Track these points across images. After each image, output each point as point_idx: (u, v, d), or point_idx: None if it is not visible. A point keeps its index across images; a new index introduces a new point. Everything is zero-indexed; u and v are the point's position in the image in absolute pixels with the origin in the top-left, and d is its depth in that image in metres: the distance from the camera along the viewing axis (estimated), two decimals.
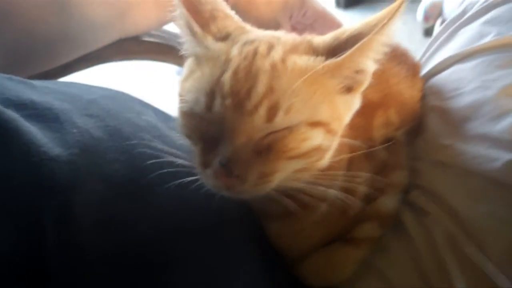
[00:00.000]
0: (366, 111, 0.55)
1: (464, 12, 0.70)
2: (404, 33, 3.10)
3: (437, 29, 2.87)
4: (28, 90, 0.46)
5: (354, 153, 0.51)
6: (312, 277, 0.53)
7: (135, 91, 0.61)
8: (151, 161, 0.44)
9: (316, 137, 0.40)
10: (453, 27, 0.70)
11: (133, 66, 0.89)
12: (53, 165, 0.39)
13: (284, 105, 0.38)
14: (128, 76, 1.83)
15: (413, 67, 0.65)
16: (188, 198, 0.43)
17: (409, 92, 0.61)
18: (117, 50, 0.84)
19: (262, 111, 0.38)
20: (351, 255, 0.52)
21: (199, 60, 0.44)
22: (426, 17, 2.78)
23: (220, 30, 0.46)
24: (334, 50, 0.41)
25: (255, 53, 0.41)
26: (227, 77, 0.39)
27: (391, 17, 0.40)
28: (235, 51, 0.42)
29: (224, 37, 0.45)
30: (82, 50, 0.77)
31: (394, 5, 0.40)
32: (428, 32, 2.86)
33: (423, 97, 0.65)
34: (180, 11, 0.46)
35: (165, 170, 0.42)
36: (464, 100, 0.59)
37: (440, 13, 2.63)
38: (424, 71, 0.69)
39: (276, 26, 0.89)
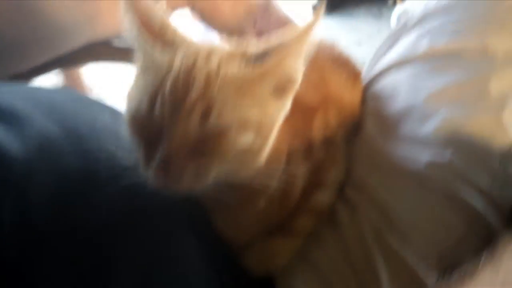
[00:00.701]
0: (306, 114, 0.60)
1: (405, 23, 0.75)
2: (379, 41, 3.17)
3: None
4: None
5: (292, 152, 0.56)
6: (254, 266, 0.57)
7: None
8: (102, 162, 0.48)
9: (247, 139, 0.45)
10: (395, 35, 0.75)
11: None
12: (12, 161, 0.44)
13: (216, 109, 0.42)
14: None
15: (354, 73, 0.70)
16: (134, 195, 0.48)
17: (348, 96, 0.67)
18: (88, 53, 0.88)
19: (195, 115, 0.42)
20: (287, 245, 0.58)
21: (145, 69, 0.48)
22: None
23: (167, 42, 0.49)
24: (263, 57, 0.46)
25: (194, 62, 0.45)
26: (167, 84, 0.44)
27: (309, 29, 0.45)
28: (177, 60, 0.46)
29: (171, 50, 0.49)
30: (52, 52, 0.80)
31: (313, 19, 0.45)
32: None
33: (364, 102, 0.70)
34: (131, 20, 0.50)
35: (114, 172, 0.46)
36: (397, 105, 0.64)
37: None
38: (368, 75, 0.75)
39: (240, 32, 0.94)
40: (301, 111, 0.59)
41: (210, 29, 0.96)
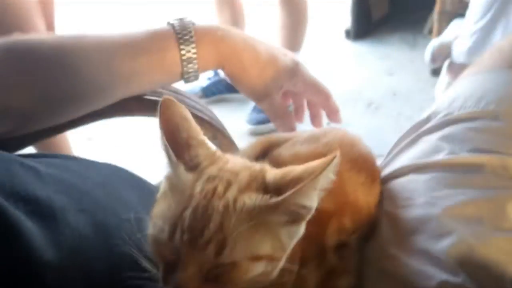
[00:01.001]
0: (320, 220, 0.61)
1: (428, 119, 0.76)
2: (412, 72, 3.16)
3: (444, 70, 2.88)
4: (35, 180, 0.55)
5: (306, 257, 0.58)
6: None
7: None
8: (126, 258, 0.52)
9: (258, 268, 0.47)
10: (417, 132, 0.76)
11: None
12: (45, 270, 0.48)
13: (231, 243, 0.45)
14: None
15: (373, 174, 0.71)
16: None
17: (365, 199, 0.68)
18: (120, 108, 0.92)
19: (211, 248, 0.45)
20: None
21: (171, 187, 0.51)
22: (433, 58, 2.83)
23: (192, 158, 0.52)
24: (279, 189, 0.48)
25: (213, 192, 0.48)
26: (187, 213, 0.47)
27: (323, 169, 0.47)
28: (198, 188, 0.49)
29: (194, 166, 0.52)
30: (87, 108, 0.85)
31: (328, 157, 0.48)
32: (435, 72, 2.91)
33: (380, 200, 0.71)
34: (161, 135, 0.53)
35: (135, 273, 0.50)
36: (413, 213, 0.65)
37: (447, 55, 2.70)
38: (386, 171, 0.76)
39: (267, 94, 0.96)
40: (316, 217, 0.61)
41: (240, 90, 0.99)
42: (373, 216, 0.69)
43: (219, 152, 0.57)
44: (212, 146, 0.57)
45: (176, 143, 0.53)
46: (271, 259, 0.48)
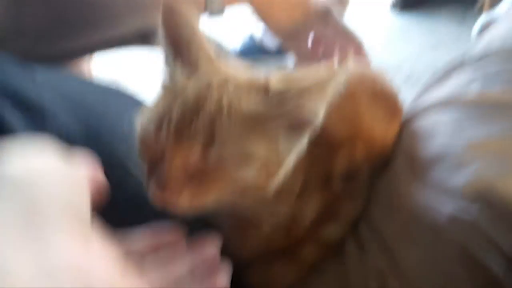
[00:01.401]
0: (331, 147, 0.59)
1: (463, 58, 0.71)
2: (456, 48, 3.02)
3: None
4: (28, 81, 0.54)
5: (308, 180, 0.55)
6: (254, 284, 0.59)
7: None
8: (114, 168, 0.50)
9: (249, 173, 0.45)
10: (447, 70, 0.71)
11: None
12: None
13: (219, 138, 0.43)
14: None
15: (394, 109, 0.68)
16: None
17: (381, 133, 0.65)
18: (139, 38, 0.90)
19: (197, 144, 0.43)
20: (287, 272, 0.59)
21: (164, 87, 0.49)
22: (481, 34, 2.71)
23: (191, 63, 0.49)
24: (281, 94, 0.45)
25: (207, 89, 0.46)
26: (177, 108, 0.44)
27: (330, 77, 0.43)
28: (191, 86, 0.46)
29: (192, 71, 0.49)
30: (104, 33, 0.83)
31: (339, 69, 0.44)
32: None
33: (399, 138, 0.67)
34: (161, 32, 0.50)
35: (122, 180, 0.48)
36: (433, 148, 0.62)
37: None
38: (411, 110, 0.71)
39: (295, 35, 0.93)
40: (326, 143, 0.58)
41: (266, 28, 0.96)
42: (388, 151, 0.66)
43: (223, 59, 0.54)
44: (214, 52, 0.54)
45: (177, 47, 0.50)
46: (265, 165, 0.45)
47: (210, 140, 0.43)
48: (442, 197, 0.56)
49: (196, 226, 0.52)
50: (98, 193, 0.40)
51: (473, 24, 2.73)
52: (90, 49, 0.90)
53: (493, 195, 0.53)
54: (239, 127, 0.44)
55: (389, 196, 0.62)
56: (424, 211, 0.56)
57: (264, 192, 0.48)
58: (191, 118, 0.43)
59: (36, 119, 0.50)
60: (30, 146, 0.36)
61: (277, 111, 0.45)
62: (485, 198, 0.53)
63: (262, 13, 0.92)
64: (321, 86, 0.44)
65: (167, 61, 0.50)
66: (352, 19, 3.12)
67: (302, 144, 0.49)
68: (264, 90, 0.46)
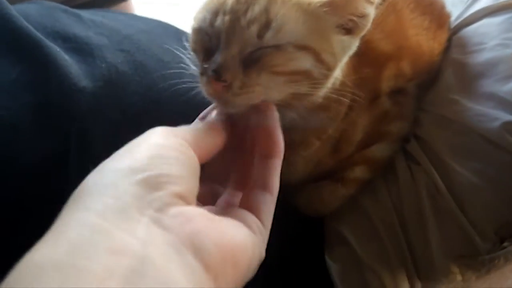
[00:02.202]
0: (377, 62, 0.57)
1: None
2: None
3: None
4: (76, 23, 0.56)
5: (356, 99, 0.54)
6: (304, 207, 0.59)
7: None
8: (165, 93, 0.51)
9: (303, 60, 0.43)
10: None
11: None
12: (80, 95, 0.48)
13: (275, 25, 0.42)
14: None
15: (439, 18, 0.64)
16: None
17: (428, 44, 0.62)
18: None
19: (254, 28, 0.42)
20: (338, 192, 0.58)
21: None
22: None
23: None
24: None
25: None
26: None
27: None
28: None
29: None
30: None
31: None
32: None
33: (448, 49, 0.65)
34: None
35: (176, 87, 0.48)
36: (483, 56, 0.59)
37: None
38: (460, 19, 0.68)
39: None
40: (372, 58, 0.56)
41: None
42: (436, 63, 0.64)
43: None
44: None
45: None
46: (318, 57, 0.44)
47: (266, 26, 0.42)
48: (494, 108, 0.54)
49: None
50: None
51: None
52: None
53: None
54: (293, 15, 0.43)
55: (440, 106, 0.60)
56: (478, 122, 0.54)
57: (318, 89, 0.47)
58: (246, 7, 0.43)
59: (86, 57, 0.52)
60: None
61: (325, 4, 0.44)
62: None
63: None
64: None
65: None
66: None
67: (353, 44, 0.48)
68: None
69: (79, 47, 0.52)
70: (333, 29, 0.45)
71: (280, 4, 0.43)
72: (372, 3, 0.44)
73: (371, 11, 0.45)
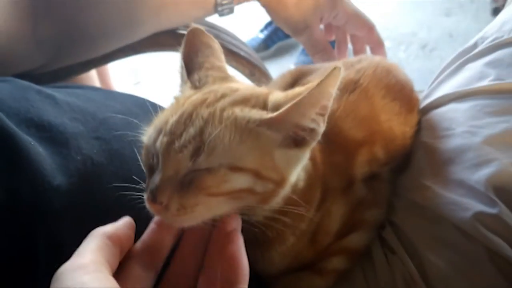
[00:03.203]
0: (348, 149, 0.59)
1: (475, 46, 0.70)
2: (471, 12, 2.95)
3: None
4: (50, 107, 0.55)
5: (329, 189, 0.56)
6: None
7: None
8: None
9: (239, 181, 0.44)
10: (461, 60, 0.70)
11: None
12: (52, 194, 0.47)
13: (207, 148, 0.43)
14: None
15: (409, 103, 0.67)
16: None
17: (400, 129, 0.64)
18: (153, 43, 0.92)
19: (186, 151, 0.43)
20: (315, 284, 0.58)
21: (173, 101, 0.51)
22: None
23: (200, 78, 0.51)
24: (277, 106, 0.45)
25: (203, 101, 0.47)
26: (173, 118, 0.46)
27: (320, 82, 0.42)
28: (192, 99, 0.48)
29: (201, 86, 0.51)
30: (119, 42, 0.84)
31: (328, 71, 0.42)
32: (496, 11, 2.70)
33: (418, 131, 0.67)
34: (180, 57, 0.53)
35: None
36: (451, 143, 0.61)
37: None
38: (427, 101, 0.71)
39: (305, 26, 0.92)
40: (343, 146, 0.58)
41: (276, 22, 0.95)
42: (408, 147, 0.65)
43: (234, 78, 0.54)
44: (227, 73, 0.55)
45: (192, 66, 0.53)
46: (258, 175, 0.45)
47: (198, 149, 0.43)
48: (464, 197, 0.55)
49: None
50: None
51: None
52: (111, 58, 0.91)
53: None
54: (228, 135, 0.44)
55: (412, 191, 0.61)
56: (449, 211, 0.56)
57: (267, 202, 0.47)
58: (184, 127, 0.44)
59: (61, 149, 0.51)
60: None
61: (265, 120, 0.45)
62: (507, 195, 0.52)
63: (271, 9, 0.91)
64: (307, 96, 0.43)
65: (182, 76, 0.53)
66: None
67: (302, 156, 0.49)
68: (263, 103, 0.47)
69: (53, 137, 0.52)
70: (275, 145, 0.46)
71: (215, 125, 0.44)
72: (315, 120, 0.46)
73: (316, 126, 0.46)
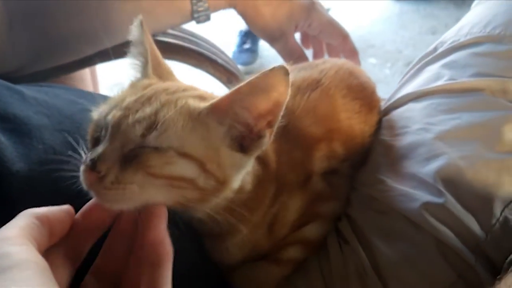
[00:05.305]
0: (307, 145, 0.61)
1: (434, 50, 0.73)
2: None
3: None
4: (18, 102, 0.57)
5: (286, 183, 0.58)
6: (240, 286, 0.61)
7: None
8: None
9: (183, 167, 0.45)
10: (421, 63, 0.73)
11: None
12: (11, 179, 0.49)
13: (160, 127, 0.44)
14: None
15: (370, 103, 0.70)
16: None
17: (360, 127, 0.67)
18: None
19: (139, 127, 0.44)
20: (272, 273, 0.60)
21: (129, 85, 0.53)
22: None
23: (161, 75, 0.55)
24: (220, 105, 0.47)
25: (164, 89, 0.49)
26: (131, 98, 0.48)
27: (259, 75, 0.44)
28: (156, 85, 0.50)
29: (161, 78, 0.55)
30: (95, 48, 0.86)
31: (273, 67, 0.43)
32: None
33: (378, 130, 0.70)
34: (144, 45, 0.56)
35: None
36: (406, 139, 0.64)
37: None
38: (389, 102, 0.74)
39: (281, 34, 0.95)
40: (302, 142, 0.60)
41: (252, 30, 0.98)
42: (367, 145, 0.68)
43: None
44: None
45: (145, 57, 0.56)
46: (203, 167, 0.46)
47: (151, 126, 0.44)
48: (414, 188, 0.58)
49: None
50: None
51: (471, 5, 2.72)
52: (87, 63, 0.93)
53: (463, 180, 0.55)
54: (181, 121, 0.45)
55: (368, 186, 0.63)
56: (399, 202, 0.58)
57: (211, 197, 0.48)
58: (141, 106, 0.46)
59: (23, 138, 0.53)
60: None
61: (215, 113, 0.46)
62: (455, 184, 0.55)
63: (247, 16, 0.93)
64: (246, 90, 0.45)
65: (145, 68, 0.55)
66: (350, 5, 3.08)
67: (247, 164, 0.51)
68: (210, 98, 0.49)
69: (17, 128, 0.53)
70: (222, 140, 0.47)
71: (171, 109, 0.46)
72: (243, 108, 0.46)
73: (265, 135, 0.48)
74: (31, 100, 0.58)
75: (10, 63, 0.78)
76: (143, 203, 0.44)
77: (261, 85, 0.44)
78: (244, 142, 0.48)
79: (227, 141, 0.48)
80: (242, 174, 0.51)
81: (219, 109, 0.46)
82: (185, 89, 0.50)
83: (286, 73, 0.43)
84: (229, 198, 0.51)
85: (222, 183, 0.47)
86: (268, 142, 0.48)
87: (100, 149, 0.44)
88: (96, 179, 0.43)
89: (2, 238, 0.37)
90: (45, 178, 0.51)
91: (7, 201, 0.48)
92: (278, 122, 0.47)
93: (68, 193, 0.52)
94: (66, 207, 0.44)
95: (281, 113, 0.46)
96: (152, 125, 0.44)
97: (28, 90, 0.61)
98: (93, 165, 0.43)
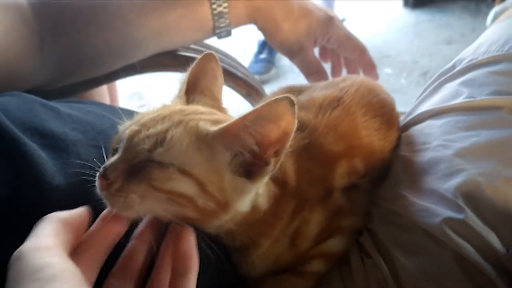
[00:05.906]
0: (328, 162, 0.63)
1: (453, 67, 0.75)
2: (472, 41, 2.98)
3: None
4: (54, 119, 0.60)
5: (308, 199, 0.60)
6: None
7: None
8: None
9: (183, 185, 0.47)
10: (440, 80, 0.75)
11: None
12: (51, 193, 0.52)
13: (166, 144, 0.47)
14: None
15: (389, 120, 0.71)
16: None
17: (380, 144, 0.68)
18: (154, 63, 0.96)
19: (148, 142, 0.47)
20: (297, 286, 0.62)
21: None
22: None
23: (194, 100, 0.58)
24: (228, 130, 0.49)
25: (181, 111, 0.52)
26: (149, 116, 0.51)
27: (264, 105, 0.45)
28: (175, 107, 0.53)
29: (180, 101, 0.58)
30: (122, 62, 0.89)
31: (278, 97, 0.45)
32: None
33: (398, 146, 0.71)
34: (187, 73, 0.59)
35: None
36: (426, 155, 0.65)
37: None
38: (408, 118, 0.75)
39: (300, 49, 0.97)
40: (322, 159, 0.62)
41: (271, 45, 1.00)
42: (387, 160, 0.70)
43: (224, 110, 0.60)
44: (221, 106, 0.61)
45: (193, 85, 0.59)
46: (202, 188, 0.47)
47: (159, 142, 0.47)
48: (435, 204, 0.59)
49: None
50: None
51: (487, 15, 2.72)
52: (113, 78, 0.96)
53: (482, 198, 0.56)
54: (187, 140, 0.48)
55: (389, 201, 0.65)
56: (420, 217, 0.59)
57: (209, 224, 0.51)
58: (154, 124, 0.49)
59: (61, 154, 0.56)
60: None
61: (221, 138, 0.48)
62: (475, 201, 0.56)
63: (266, 31, 0.95)
64: (258, 116, 0.46)
65: (180, 90, 0.58)
66: (365, 16, 3.09)
67: (252, 192, 0.52)
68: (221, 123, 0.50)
69: (55, 144, 0.56)
70: (227, 165, 0.49)
71: (180, 128, 0.49)
72: (248, 134, 0.48)
73: (270, 162, 0.49)
74: (66, 117, 0.62)
75: (40, 78, 0.82)
76: (144, 213, 0.49)
77: (267, 115, 0.46)
78: (252, 169, 0.50)
79: (232, 166, 0.49)
80: (249, 199, 0.53)
81: (226, 135, 0.48)
82: (203, 113, 0.53)
83: (292, 103, 0.45)
84: (238, 219, 0.53)
85: (223, 206, 0.49)
86: (272, 170, 0.50)
87: (113, 159, 0.48)
88: (105, 185, 0.47)
89: (41, 247, 0.40)
90: (82, 193, 0.54)
91: (48, 212, 0.50)
92: (285, 151, 0.48)
93: (103, 207, 0.55)
94: (83, 210, 0.47)
95: (289, 143, 0.48)
96: (160, 141, 0.47)
97: (62, 107, 0.64)
98: (104, 173, 0.47)
